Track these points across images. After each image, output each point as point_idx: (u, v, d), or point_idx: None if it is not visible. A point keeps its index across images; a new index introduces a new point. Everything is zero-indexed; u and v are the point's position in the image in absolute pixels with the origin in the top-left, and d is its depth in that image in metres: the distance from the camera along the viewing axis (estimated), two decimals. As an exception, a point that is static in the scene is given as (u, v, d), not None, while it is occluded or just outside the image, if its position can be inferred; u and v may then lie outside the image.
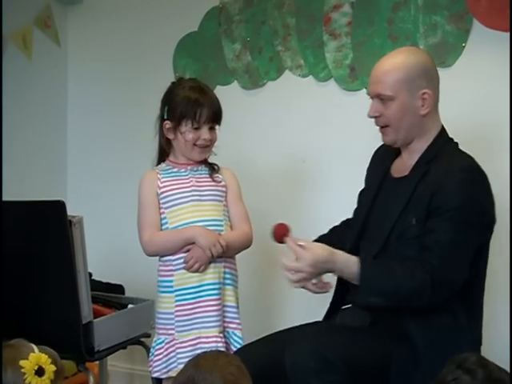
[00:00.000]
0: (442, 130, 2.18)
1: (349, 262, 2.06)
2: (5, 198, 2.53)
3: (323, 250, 2.06)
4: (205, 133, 2.31)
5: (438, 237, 2.02)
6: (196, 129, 2.30)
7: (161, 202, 2.33)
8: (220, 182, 2.39)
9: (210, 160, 2.42)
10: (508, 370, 1.55)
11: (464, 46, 2.70)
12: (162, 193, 2.33)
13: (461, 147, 2.18)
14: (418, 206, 2.06)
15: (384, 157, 2.32)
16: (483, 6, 2.64)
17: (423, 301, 2.02)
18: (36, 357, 1.62)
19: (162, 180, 2.34)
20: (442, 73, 2.70)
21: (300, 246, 2.06)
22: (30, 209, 2.37)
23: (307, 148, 2.99)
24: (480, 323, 2.16)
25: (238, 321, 2.34)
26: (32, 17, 3.36)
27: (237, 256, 2.40)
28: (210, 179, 2.37)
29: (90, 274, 2.51)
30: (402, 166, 2.20)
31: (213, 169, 2.40)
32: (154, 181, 2.35)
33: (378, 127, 2.20)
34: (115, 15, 3.46)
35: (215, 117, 2.32)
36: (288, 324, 2.34)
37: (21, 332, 2.40)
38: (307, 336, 2.02)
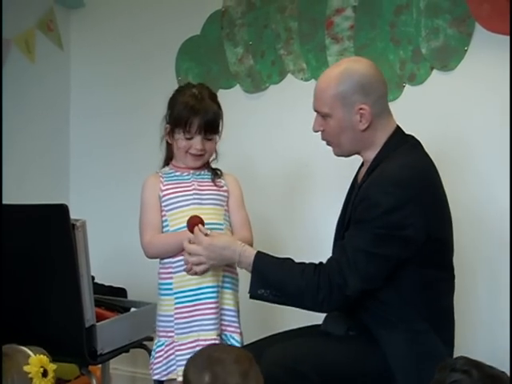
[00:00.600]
0: (392, 135, 2.14)
1: (246, 252, 2.11)
2: (8, 201, 2.53)
3: (224, 236, 2.21)
4: (197, 143, 2.30)
5: (344, 243, 2.04)
6: (188, 138, 2.30)
7: (162, 204, 2.33)
8: (222, 186, 2.39)
9: (213, 165, 2.42)
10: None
11: (466, 50, 2.70)
12: (164, 195, 2.33)
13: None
14: (351, 217, 2.09)
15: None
16: (485, 10, 2.64)
17: (309, 301, 2.03)
18: (39, 359, 1.63)
19: (165, 183, 2.35)
20: (445, 76, 2.75)
21: (205, 234, 2.15)
22: (33, 212, 2.37)
23: (310, 152, 2.99)
24: (450, 327, 2.14)
25: (236, 324, 2.34)
26: (35, 20, 3.37)
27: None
28: (211, 184, 2.38)
29: (93, 278, 2.51)
30: (362, 173, 2.20)
31: (215, 174, 2.40)
32: (156, 184, 2.35)
33: None
34: (118, 19, 3.46)
35: (208, 128, 2.30)
36: (288, 328, 2.36)
37: (23, 335, 2.41)
38: (279, 350, 2.03)
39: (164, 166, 2.42)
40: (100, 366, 2.79)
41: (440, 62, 2.76)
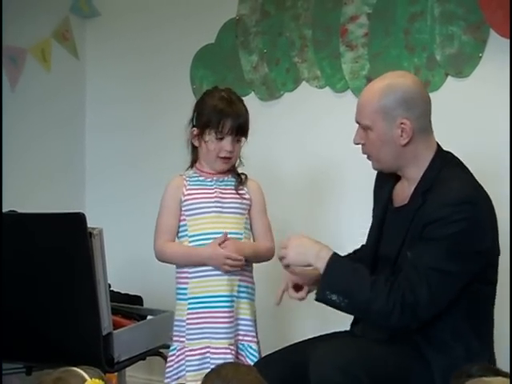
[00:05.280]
0: (437, 154, 2.12)
1: (323, 252, 2.08)
2: (25, 210, 2.55)
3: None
4: (227, 144, 2.29)
5: (415, 260, 2.01)
6: (219, 139, 2.29)
7: (183, 208, 2.33)
8: (244, 195, 2.38)
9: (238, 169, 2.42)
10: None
11: (481, 57, 2.70)
12: (186, 200, 2.33)
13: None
14: (413, 238, 2.05)
15: (383, 180, 2.28)
16: (500, 17, 2.64)
17: (375, 314, 2.00)
18: (95, 383, 1.58)
19: (188, 187, 2.34)
20: (459, 83, 2.75)
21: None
22: (51, 221, 2.39)
23: (325, 159, 2.99)
24: (491, 345, 2.12)
25: (253, 333, 2.33)
26: (51, 30, 3.40)
27: (256, 268, 2.41)
28: (234, 192, 2.37)
29: (109, 286, 2.52)
30: (402, 194, 2.17)
31: (239, 181, 2.39)
32: (179, 187, 2.35)
33: None
34: (133, 28, 3.48)
35: (239, 129, 2.30)
36: (305, 337, 2.34)
37: (40, 343, 2.43)
38: (331, 350, 2.00)
39: (188, 169, 2.41)
40: (116, 373, 2.80)
41: (454, 69, 2.76)
